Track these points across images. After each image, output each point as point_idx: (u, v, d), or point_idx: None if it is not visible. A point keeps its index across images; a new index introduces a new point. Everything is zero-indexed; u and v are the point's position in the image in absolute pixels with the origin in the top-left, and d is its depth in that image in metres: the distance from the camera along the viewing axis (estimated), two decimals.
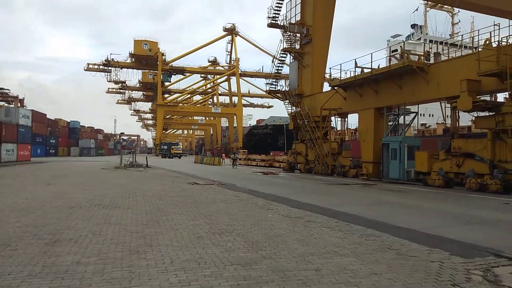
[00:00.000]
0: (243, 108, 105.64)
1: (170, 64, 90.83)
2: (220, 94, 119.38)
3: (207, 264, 5.05)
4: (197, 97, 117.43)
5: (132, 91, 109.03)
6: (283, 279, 4.54)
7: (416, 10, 71.62)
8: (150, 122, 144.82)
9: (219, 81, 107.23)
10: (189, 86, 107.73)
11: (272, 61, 34.14)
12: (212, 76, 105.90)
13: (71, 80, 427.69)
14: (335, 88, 26.62)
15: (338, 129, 32.05)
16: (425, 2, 65.12)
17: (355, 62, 24.29)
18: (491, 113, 16.93)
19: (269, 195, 13.58)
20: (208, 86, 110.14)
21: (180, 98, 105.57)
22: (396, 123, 24.00)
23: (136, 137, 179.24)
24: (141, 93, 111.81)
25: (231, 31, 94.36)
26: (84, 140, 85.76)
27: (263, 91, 64.07)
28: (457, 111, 19.16)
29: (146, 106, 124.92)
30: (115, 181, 18.71)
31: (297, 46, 31.86)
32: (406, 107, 22.50)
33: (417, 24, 71.50)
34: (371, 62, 23.07)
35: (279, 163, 40.49)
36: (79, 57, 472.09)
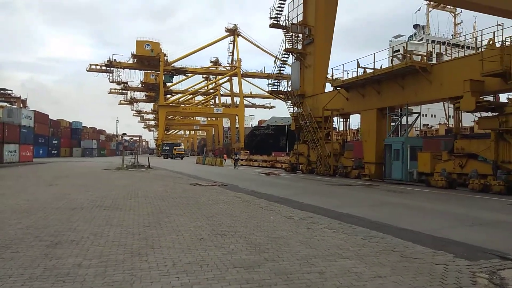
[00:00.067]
0: (245, 108, 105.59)
1: (172, 65, 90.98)
2: (222, 95, 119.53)
3: (210, 266, 4.99)
4: (199, 98, 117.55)
5: (134, 91, 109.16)
6: (286, 282, 4.49)
7: (419, 10, 71.76)
8: (152, 122, 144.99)
9: (221, 81, 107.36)
10: (191, 87, 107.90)
11: (274, 62, 34.15)
12: (214, 76, 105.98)
13: (72, 81, 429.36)
14: (337, 88, 26.56)
15: (340, 129, 31.98)
16: (428, 2, 64.93)
17: (358, 62, 24.29)
18: (494, 114, 16.84)
19: (271, 196, 13.53)
20: (210, 86, 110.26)
21: (182, 99, 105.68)
22: (399, 123, 23.91)
23: (138, 138, 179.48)
24: (143, 93, 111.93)
25: (233, 32, 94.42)
26: (86, 140, 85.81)
27: (265, 91, 64.05)
28: (460, 111, 19.08)
29: (148, 106, 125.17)
30: (117, 182, 18.68)
31: (299, 47, 31.81)
32: (409, 107, 22.41)
33: (419, 25, 71.37)
34: (374, 62, 22.97)
35: (281, 164, 40.46)
36: (80, 57, 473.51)
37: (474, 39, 18.73)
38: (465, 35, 30.59)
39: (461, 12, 67.44)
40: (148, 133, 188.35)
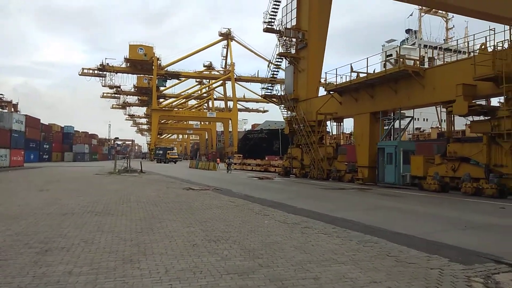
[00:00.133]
0: (238, 112, 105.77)
1: (165, 69, 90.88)
2: (215, 99, 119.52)
3: (203, 273, 4.91)
4: (192, 102, 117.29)
5: (127, 95, 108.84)
6: None
7: (411, 15, 72.21)
8: (145, 127, 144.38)
9: (214, 85, 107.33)
10: (184, 91, 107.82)
11: (268, 66, 34.25)
12: (208, 80, 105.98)
13: (65, 85, 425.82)
14: (331, 92, 26.62)
15: (333, 133, 32.04)
16: (420, 7, 65.60)
17: (351, 66, 24.36)
18: (486, 118, 16.96)
19: (265, 201, 13.47)
20: (204, 90, 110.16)
21: (175, 103, 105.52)
22: (392, 127, 24.01)
23: (130, 142, 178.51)
24: (136, 97, 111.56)
25: (227, 36, 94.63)
26: (78, 145, 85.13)
27: (259, 95, 64.23)
28: (452, 115, 19.20)
29: (141, 111, 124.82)
30: (109, 187, 18.50)
31: (293, 51, 31.87)
32: (401, 111, 22.51)
33: (412, 29, 72.08)
34: (367, 66, 23.08)
35: (274, 168, 40.40)
36: (74, 62, 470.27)
37: (466, 43, 18.87)
38: (457, 40, 30.94)
39: (453, 17, 68.26)
40: (140, 137, 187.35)
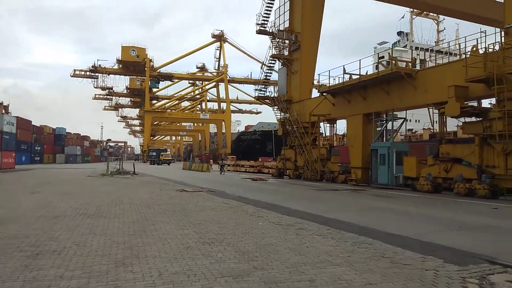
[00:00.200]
0: (232, 114, 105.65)
1: (158, 70, 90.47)
2: (208, 100, 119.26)
3: (197, 276, 4.85)
4: (185, 103, 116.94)
5: (119, 97, 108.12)
6: None
7: (403, 17, 72.78)
8: (137, 128, 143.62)
9: (207, 87, 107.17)
10: (177, 92, 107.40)
11: (261, 68, 34.22)
12: (201, 82, 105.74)
13: (57, 87, 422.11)
14: (324, 94, 26.69)
15: (326, 135, 32.12)
16: (411, 10, 66.11)
17: (344, 68, 24.45)
18: (478, 119, 17.10)
19: (259, 202, 13.42)
20: (197, 92, 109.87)
21: (168, 104, 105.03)
22: (384, 128, 24.12)
23: (123, 144, 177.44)
24: (128, 99, 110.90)
25: (220, 38, 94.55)
26: (70, 147, 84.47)
27: (252, 97, 64.21)
28: (444, 116, 19.32)
29: (133, 112, 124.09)
30: (101, 189, 18.34)
31: (286, 53, 31.94)
32: (394, 113, 22.63)
33: (403, 32, 72.59)
34: (359, 68, 23.23)
35: (268, 169, 40.40)
36: (66, 63, 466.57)
37: (458, 45, 19.05)
38: (448, 42, 31.21)
39: (444, 19, 68.91)
40: (133, 139, 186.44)
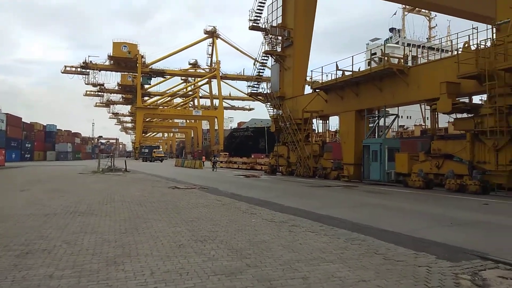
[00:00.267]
0: (224, 110, 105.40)
1: (150, 67, 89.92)
2: (201, 97, 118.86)
3: (190, 275, 4.81)
4: (178, 100, 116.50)
5: (110, 93, 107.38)
6: None
7: (395, 14, 72.92)
8: (129, 125, 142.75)
9: (200, 83, 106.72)
10: (170, 89, 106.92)
11: (254, 64, 34.13)
12: (193, 78, 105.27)
13: (48, 83, 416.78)
14: (317, 90, 26.68)
15: (319, 131, 32.15)
16: (403, 6, 66.33)
17: (336, 65, 24.45)
18: (469, 115, 17.21)
19: (252, 199, 13.40)
20: (189, 88, 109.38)
21: (160, 101, 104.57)
22: (376, 125, 24.20)
23: (114, 141, 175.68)
24: (120, 95, 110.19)
25: (212, 34, 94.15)
26: (60, 144, 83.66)
27: (245, 93, 64.07)
28: (436, 113, 19.42)
29: (125, 109, 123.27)
30: (93, 186, 18.18)
31: (279, 49, 31.84)
32: (386, 109, 22.70)
33: (395, 28, 72.85)
34: (352, 65, 23.19)
35: (260, 166, 40.39)
36: (56, 59, 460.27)
37: (450, 42, 19.13)
38: (440, 38, 31.38)
39: (436, 16, 69.23)
40: (125, 135, 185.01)
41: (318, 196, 16.10)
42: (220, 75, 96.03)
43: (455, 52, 17.52)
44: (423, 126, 40.83)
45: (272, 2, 32.72)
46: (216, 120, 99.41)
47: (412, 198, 15.22)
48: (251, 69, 37.45)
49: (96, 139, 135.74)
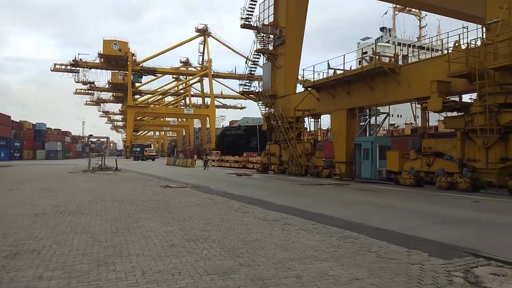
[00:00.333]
0: (216, 109, 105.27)
1: (140, 65, 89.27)
2: (192, 95, 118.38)
3: (182, 275, 4.75)
4: (169, 98, 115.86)
5: (101, 92, 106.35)
6: None
7: (385, 13, 73.42)
8: (120, 123, 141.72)
9: (191, 82, 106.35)
10: (161, 87, 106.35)
11: (246, 62, 34.04)
12: (184, 77, 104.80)
13: (37, 81, 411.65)
14: (308, 89, 26.72)
15: (311, 129, 32.20)
16: (394, 5, 66.72)
17: (328, 63, 24.52)
18: (460, 114, 17.35)
19: (244, 197, 13.36)
20: (180, 87, 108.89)
21: (151, 99, 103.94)
22: (368, 123, 24.32)
23: (105, 139, 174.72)
24: (110, 94, 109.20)
25: (203, 32, 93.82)
26: (50, 143, 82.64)
27: (236, 92, 63.89)
28: (427, 111, 19.56)
29: (115, 107, 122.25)
30: (83, 185, 17.98)
31: (271, 47, 31.84)
32: (377, 108, 22.81)
33: (386, 27, 73.25)
34: (344, 63, 23.32)
35: (252, 164, 40.37)
36: (46, 57, 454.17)
37: (440, 41, 19.28)
38: (431, 37, 31.64)
39: (426, 15, 69.74)
40: (116, 134, 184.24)
41: (310, 194, 16.11)
42: (212, 73, 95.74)
43: (446, 51, 17.63)
44: (413, 125, 41.24)
45: (264, 1, 32.70)
46: (208, 118, 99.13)
47: (403, 196, 15.31)
48: (243, 67, 37.44)
49: (86, 138, 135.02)
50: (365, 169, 21.84)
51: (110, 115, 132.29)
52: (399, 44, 60.38)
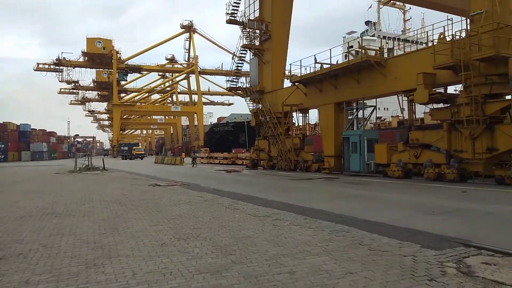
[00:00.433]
0: (204, 106, 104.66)
1: (125, 63, 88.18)
2: (179, 93, 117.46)
3: (173, 274, 4.66)
4: (156, 96, 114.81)
5: (86, 91, 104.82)
6: (257, 285, 4.27)
7: (370, 7, 73.72)
8: (106, 122, 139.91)
9: (178, 79, 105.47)
10: (147, 85, 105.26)
11: (232, 58, 33.83)
12: (171, 74, 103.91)
13: (20, 81, 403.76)
14: (296, 84, 26.69)
15: (299, 124, 32.25)
16: None
17: (315, 58, 24.51)
18: (446, 105, 17.52)
19: (234, 194, 13.29)
20: (167, 84, 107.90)
21: (137, 97, 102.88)
22: (356, 117, 24.42)
23: (91, 139, 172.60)
24: (95, 93, 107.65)
25: (189, 28, 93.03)
26: (35, 143, 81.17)
27: (224, 88, 63.69)
28: (413, 103, 19.70)
29: (101, 106, 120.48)
30: (70, 186, 17.69)
31: (257, 43, 31.69)
32: (364, 101, 22.90)
33: (371, 21, 73.59)
34: (330, 58, 23.28)
35: (241, 160, 40.29)
36: (28, 56, 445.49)
37: (425, 33, 19.42)
38: (416, 30, 31.87)
39: (410, 8, 70.23)
40: (102, 133, 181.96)
41: (300, 189, 16.11)
42: (198, 70, 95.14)
43: (431, 44, 17.76)
44: (400, 117, 41.62)
45: None
46: (195, 115, 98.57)
47: (392, 188, 15.41)
48: (230, 63, 37.24)
49: (72, 138, 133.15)
50: (353, 163, 21.95)
51: (96, 114, 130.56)
52: (384, 37, 60.74)
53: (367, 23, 74.01)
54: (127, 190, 15.11)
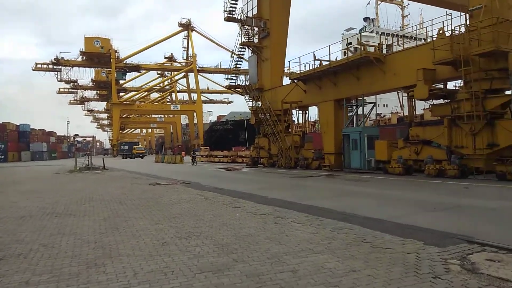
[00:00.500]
0: (203, 104, 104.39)
1: (124, 61, 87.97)
2: (178, 91, 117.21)
3: (175, 273, 4.62)
4: (155, 95, 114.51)
5: (84, 90, 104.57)
6: (259, 284, 4.22)
7: (368, 3, 73.53)
8: (105, 122, 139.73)
9: (176, 77, 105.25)
10: (146, 84, 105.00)
11: (231, 56, 33.76)
12: (170, 73, 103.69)
13: (19, 82, 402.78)
14: (295, 81, 26.63)
15: (299, 122, 32.19)
16: None
17: (314, 55, 24.42)
18: (446, 101, 17.46)
19: (235, 192, 13.25)
20: (166, 83, 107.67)
21: (136, 96, 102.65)
22: (355, 114, 24.36)
23: (91, 139, 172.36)
24: (94, 92, 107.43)
25: (187, 27, 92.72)
26: (35, 143, 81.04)
27: (223, 86, 63.48)
28: (413, 99, 19.65)
29: (100, 105, 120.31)
30: (70, 186, 17.64)
31: (256, 40, 31.60)
32: (364, 97, 22.84)
33: (370, 17, 73.45)
34: (329, 54, 23.17)
35: (241, 159, 40.25)
36: (26, 57, 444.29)
37: (424, 29, 19.35)
38: (415, 25, 31.79)
39: (408, 4, 70.11)
40: (102, 133, 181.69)
41: (301, 187, 16.07)
42: (197, 68, 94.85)
43: (430, 39, 17.69)
44: (399, 114, 41.57)
45: None
46: (195, 114, 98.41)
47: (393, 184, 15.38)
48: (229, 61, 37.16)
49: (72, 138, 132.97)
50: (354, 159, 21.91)
51: (95, 114, 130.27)
52: (382, 33, 60.79)
53: (365, 19, 73.88)
54: (128, 189, 15.06)
